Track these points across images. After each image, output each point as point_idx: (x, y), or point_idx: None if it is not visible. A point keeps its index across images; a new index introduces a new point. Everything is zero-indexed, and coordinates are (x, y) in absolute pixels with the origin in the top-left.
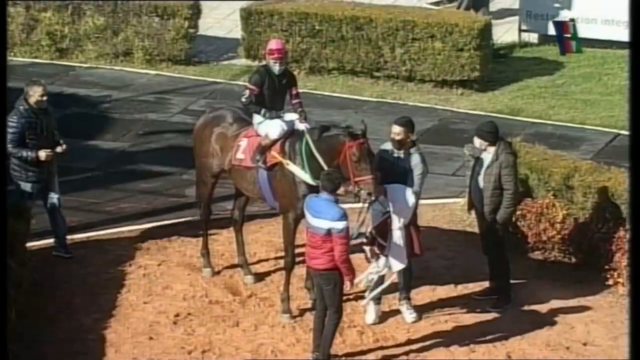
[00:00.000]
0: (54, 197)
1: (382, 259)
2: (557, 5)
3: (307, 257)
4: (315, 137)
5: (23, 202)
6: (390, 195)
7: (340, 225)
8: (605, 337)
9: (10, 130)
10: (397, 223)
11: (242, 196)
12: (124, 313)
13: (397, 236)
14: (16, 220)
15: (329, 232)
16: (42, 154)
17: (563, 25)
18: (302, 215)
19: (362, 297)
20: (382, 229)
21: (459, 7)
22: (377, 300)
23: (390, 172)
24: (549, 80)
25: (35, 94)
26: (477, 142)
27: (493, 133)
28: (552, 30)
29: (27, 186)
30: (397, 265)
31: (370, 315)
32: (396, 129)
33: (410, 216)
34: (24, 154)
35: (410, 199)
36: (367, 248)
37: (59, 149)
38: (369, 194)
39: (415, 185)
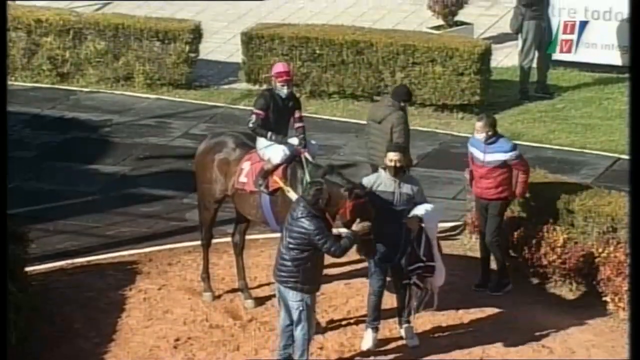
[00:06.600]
0: None
1: (428, 280)
2: None
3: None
4: (319, 175)
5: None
6: (425, 218)
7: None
8: None
9: None
10: (435, 242)
11: (243, 220)
12: (124, 337)
13: (437, 254)
14: (16, 245)
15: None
16: None
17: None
18: None
19: (363, 322)
20: (427, 252)
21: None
22: (375, 325)
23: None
24: (549, 104)
25: None
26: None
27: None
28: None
29: None
30: (440, 281)
31: (367, 342)
32: (396, 156)
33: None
34: None
35: (436, 214)
36: (416, 280)
37: None
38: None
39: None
